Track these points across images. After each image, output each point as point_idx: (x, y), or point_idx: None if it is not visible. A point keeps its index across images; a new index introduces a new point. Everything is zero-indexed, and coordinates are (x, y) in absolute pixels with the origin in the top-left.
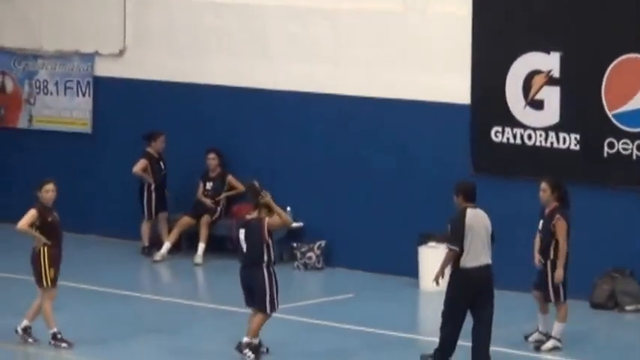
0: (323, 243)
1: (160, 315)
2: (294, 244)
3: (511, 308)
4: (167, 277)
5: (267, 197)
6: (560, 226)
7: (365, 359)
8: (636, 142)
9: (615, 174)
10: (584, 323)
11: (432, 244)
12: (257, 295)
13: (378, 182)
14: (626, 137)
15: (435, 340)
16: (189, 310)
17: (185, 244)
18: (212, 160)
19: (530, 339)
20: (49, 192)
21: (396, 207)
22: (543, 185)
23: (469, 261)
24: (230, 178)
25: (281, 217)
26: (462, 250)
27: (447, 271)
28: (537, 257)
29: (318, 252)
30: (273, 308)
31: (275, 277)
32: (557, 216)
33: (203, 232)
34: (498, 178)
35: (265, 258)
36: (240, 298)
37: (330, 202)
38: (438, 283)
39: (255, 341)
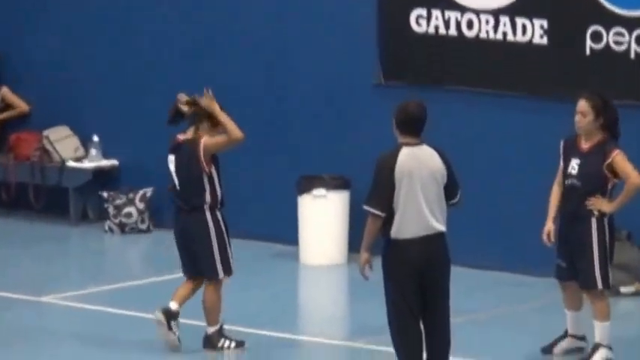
0: (149, 192)
1: None
2: (105, 194)
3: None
4: None
5: (209, 100)
6: (622, 160)
7: None
8: (635, 33)
9: (602, 81)
10: (559, 315)
11: (318, 191)
12: (200, 255)
13: (235, 99)
14: (619, 24)
15: (323, 341)
16: None
17: None
18: None
19: (557, 349)
20: None
21: (264, 136)
22: (582, 106)
23: (404, 229)
24: (5, 91)
25: (227, 129)
26: (390, 213)
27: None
28: (548, 228)
29: (141, 206)
30: (228, 270)
31: (225, 226)
32: (615, 151)
33: None
34: (421, 90)
35: (208, 198)
36: (26, 280)
37: (159, 129)
38: (366, 276)
39: (218, 326)
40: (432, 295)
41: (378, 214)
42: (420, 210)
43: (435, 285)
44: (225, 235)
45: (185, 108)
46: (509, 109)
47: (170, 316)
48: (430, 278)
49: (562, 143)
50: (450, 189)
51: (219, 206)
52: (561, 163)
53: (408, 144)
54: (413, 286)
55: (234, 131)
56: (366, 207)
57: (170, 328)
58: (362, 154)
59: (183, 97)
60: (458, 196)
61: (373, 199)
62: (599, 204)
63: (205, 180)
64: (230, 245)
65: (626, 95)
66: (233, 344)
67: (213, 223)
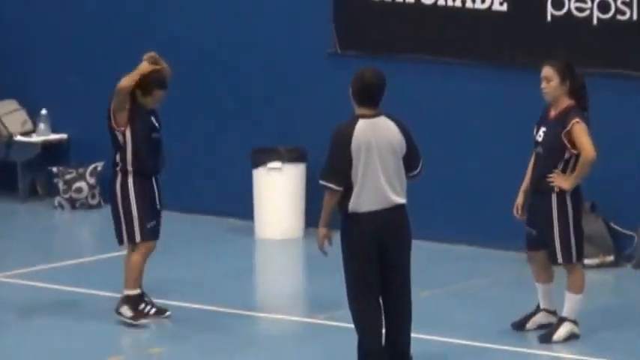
0: (100, 166)
1: None
2: (54, 169)
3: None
4: None
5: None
6: (579, 130)
7: (170, 347)
8: None
9: (564, 48)
10: (523, 289)
11: (273, 164)
12: (113, 219)
13: (187, 68)
14: None
15: (280, 317)
16: None
17: None
18: None
19: (530, 325)
20: None
21: (216, 107)
22: (546, 71)
23: (363, 202)
24: None
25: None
26: (348, 187)
27: None
28: (518, 201)
29: (92, 181)
30: (131, 237)
31: (141, 188)
32: (574, 120)
33: None
34: (377, 59)
35: (117, 159)
36: None
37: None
38: (325, 251)
39: (135, 292)
40: (392, 269)
41: (335, 189)
42: (378, 183)
43: (394, 258)
44: (133, 202)
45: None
46: (469, 78)
47: (132, 305)
48: (389, 252)
49: (541, 113)
50: (410, 160)
51: (130, 169)
52: (534, 132)
53: (364, 116)
54: (372, 260)
55: (122, 83)
56: (322, 182)
57: (144, 313)
58: (318, 125)
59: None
60: (419, 167)
61: (329, 174)
62: (558, 181)
63: (118, 139)
64: (144, 212)
65: (589, 63)
66: (130, 314)
67: (120, 187)
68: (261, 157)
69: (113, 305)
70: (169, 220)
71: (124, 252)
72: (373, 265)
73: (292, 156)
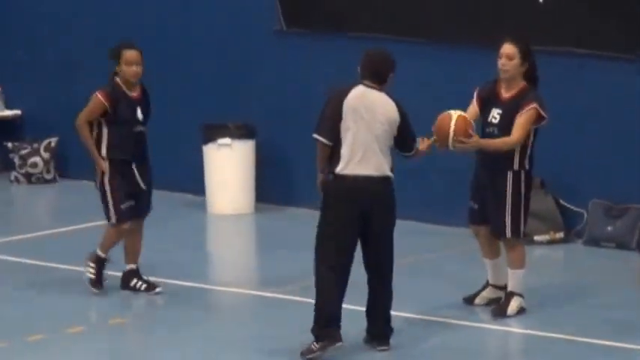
0: (54, 141)
1: None
2: (9, 144)
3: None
4: None
5: None
6: (529, 117)
7: (126, 319)
8: None
9: (515, 27)
10: (475, 264)
11: (223, 141)
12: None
13: (136, 42)
14: None
15: (231, 290)
16: None
17: None
18: None
19: (478, 300)
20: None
21: (166, 84)
22: (509, 48)
23: (349, 164)
24: None
25: None
26: (336, 144)
27: None
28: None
29: (46, 155)
30: (109, 218)
31: (115, 171)
32: (532, 105)
33: None
34: (323, 37)
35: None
36: None
37: (65, 75)
38: (320, 193)
39: (102, 255)
40: (373, 237)
41: (325, 143)
42: (363, 149)
43: (376, 229)
44: (107, 186)
45: None
46: (418, 56)
47: (97, 267)
48: (373, 219)
49: (477, 91)
50: (403, 142)
51: (105, 157)
52: (476, 111)
53: (366, 85)
54: (348, 226)
55: None
56: (314, 135)
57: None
58: (266, 101)
59: None
60: (413, 150)
61: (321, 128)
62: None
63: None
64: (113, 194)
65: (539, 40)
66: (143, 286)
67: (97, 170)
68: (211, 134)
69: (70, 277)
70: None
71: (80, 225)
72: (348, 230)
73: (241, 133)
